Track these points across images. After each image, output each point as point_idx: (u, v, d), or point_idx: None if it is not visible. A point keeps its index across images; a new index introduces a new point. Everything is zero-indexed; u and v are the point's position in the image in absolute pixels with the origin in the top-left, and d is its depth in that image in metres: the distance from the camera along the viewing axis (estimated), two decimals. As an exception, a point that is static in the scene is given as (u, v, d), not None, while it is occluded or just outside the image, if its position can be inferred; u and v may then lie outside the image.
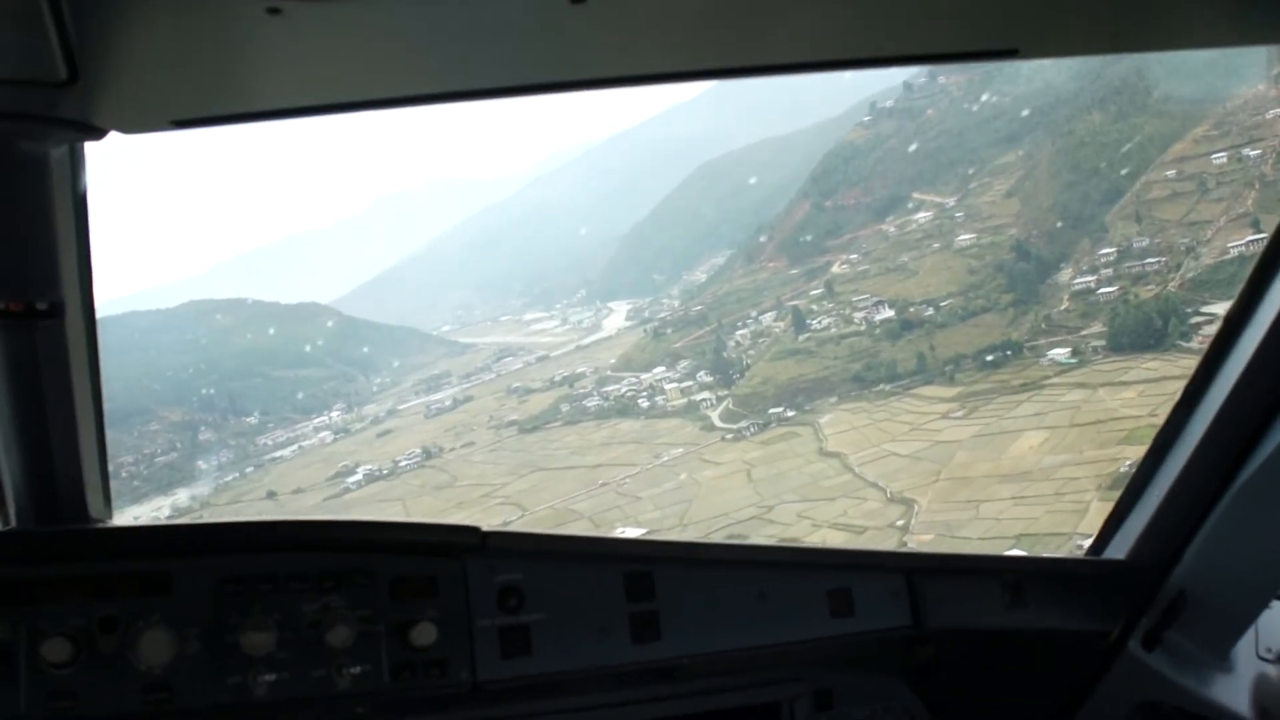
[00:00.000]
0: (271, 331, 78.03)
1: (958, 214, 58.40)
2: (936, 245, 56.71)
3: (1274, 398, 2.97)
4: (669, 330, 68.23)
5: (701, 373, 59.72)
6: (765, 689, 3.65)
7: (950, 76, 79.28)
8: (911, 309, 48.77)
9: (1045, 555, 3.91)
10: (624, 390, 61.99)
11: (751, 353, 58.03)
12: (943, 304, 48.39)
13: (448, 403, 68.74)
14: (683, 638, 3.34)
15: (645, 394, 60.06)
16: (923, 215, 62.91)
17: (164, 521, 6.58)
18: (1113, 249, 44.34)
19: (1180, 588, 3.36)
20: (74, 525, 2.95)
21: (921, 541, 32.30)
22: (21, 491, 2.90)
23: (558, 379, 69.82)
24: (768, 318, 63.82)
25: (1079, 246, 46.99)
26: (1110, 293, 42.67)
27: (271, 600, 2.97)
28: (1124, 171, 49.10)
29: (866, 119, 79.44)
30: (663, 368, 62.99)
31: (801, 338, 51.87)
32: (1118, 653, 3.52)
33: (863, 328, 49.74)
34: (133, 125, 2.36)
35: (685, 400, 55.40)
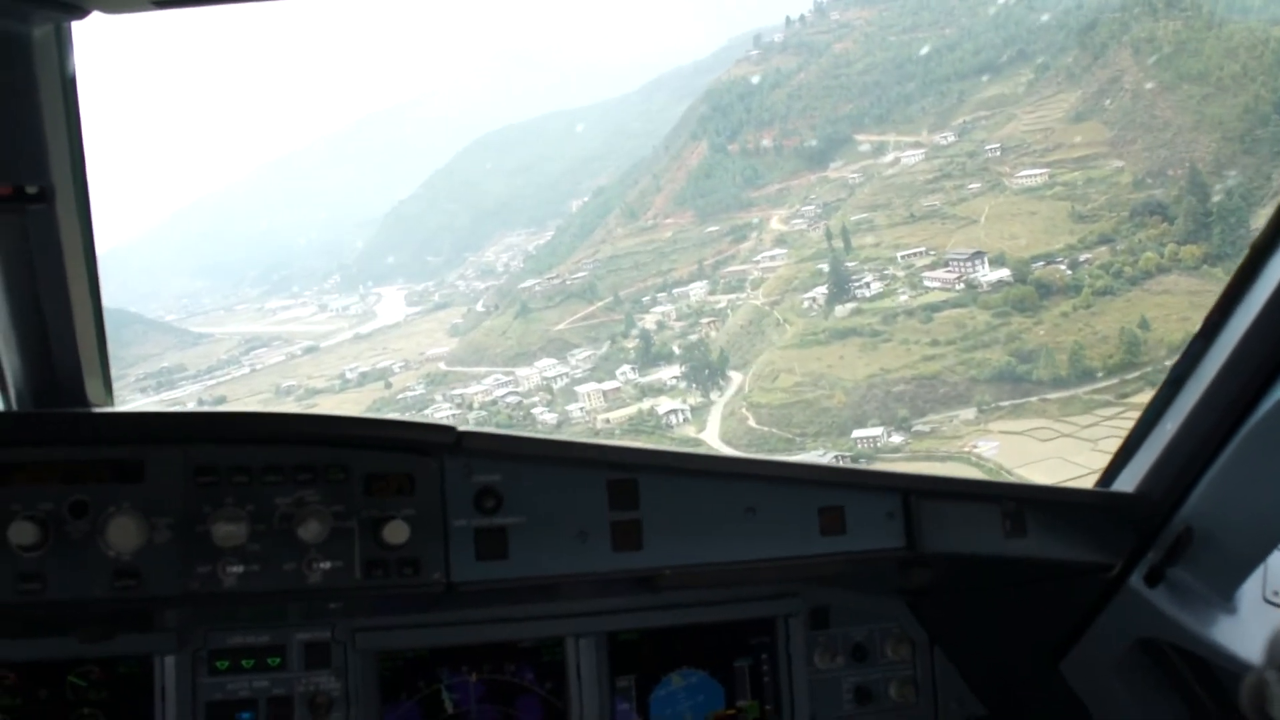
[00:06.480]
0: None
1: (989, 147, 41.24)
2: (975, 185, 39.09)
3: None
4: (541, 307, 46.72)
5: (625, 368, 38.25)
6: (759, 604, 3.61)
7: (846, 12, 67.99)
8: (1036, 268, 30.08)
9: (1051, 484, 3.56)
10: (494, 394, 39.47)
11: (712, 335, 37.42)
12: (1081, 260, 30.05)
13: (190, 405, 45.52)
14: (666, 548, 3.12)
15: (539, 401, 37.69)
16: (908, 155, 46.42)
17: (142, 409, 5.81)
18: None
19: (1187, 524, 3.05)
20: (63, 409, 2.94)
21: None
22: (20, 378, 2.91)
23: (352, 375, 52.66)
24: (698, 288, 44.38)
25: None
26: None
27: (244, 492, 2.87)
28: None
29: (754, 53, 66.09)
30: (552, 360, 41.09)
31: (843, 310, 31.57)
32: (1119, 587, 3.25)
33: (957, 292, 30.34)
34: (115, 4, 2.32)
35: (633, 410, 33.50)
